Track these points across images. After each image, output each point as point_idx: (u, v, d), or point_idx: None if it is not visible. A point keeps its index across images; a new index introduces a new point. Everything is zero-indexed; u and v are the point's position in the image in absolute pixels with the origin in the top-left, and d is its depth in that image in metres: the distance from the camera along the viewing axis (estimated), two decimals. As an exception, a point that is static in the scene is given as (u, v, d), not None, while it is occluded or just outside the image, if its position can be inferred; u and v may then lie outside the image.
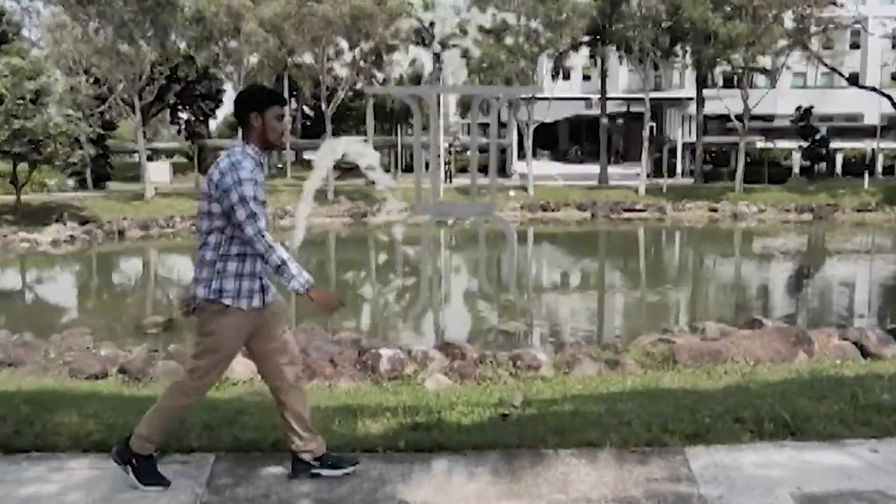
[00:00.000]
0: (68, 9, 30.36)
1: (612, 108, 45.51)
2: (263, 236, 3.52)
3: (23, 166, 27.76)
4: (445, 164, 38.96)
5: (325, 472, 3.83)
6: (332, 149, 4.19)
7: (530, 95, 35.46)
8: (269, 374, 3.83)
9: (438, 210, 4.54)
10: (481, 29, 34.88)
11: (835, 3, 35.19)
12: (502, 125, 50.22)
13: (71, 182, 36.52)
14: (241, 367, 8.01)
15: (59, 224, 26.50)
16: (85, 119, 32.03)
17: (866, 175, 36.66)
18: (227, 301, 3.59)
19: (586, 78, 51.77)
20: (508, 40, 33.54)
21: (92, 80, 33.56)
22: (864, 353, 8.32)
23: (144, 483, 3.69)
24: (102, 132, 36.97)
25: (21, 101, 25.82)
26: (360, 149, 4.12)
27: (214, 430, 4.43)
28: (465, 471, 3.91)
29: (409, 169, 47.74)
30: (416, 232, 4.48)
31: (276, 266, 3.54)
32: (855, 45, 50.00)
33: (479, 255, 4.56)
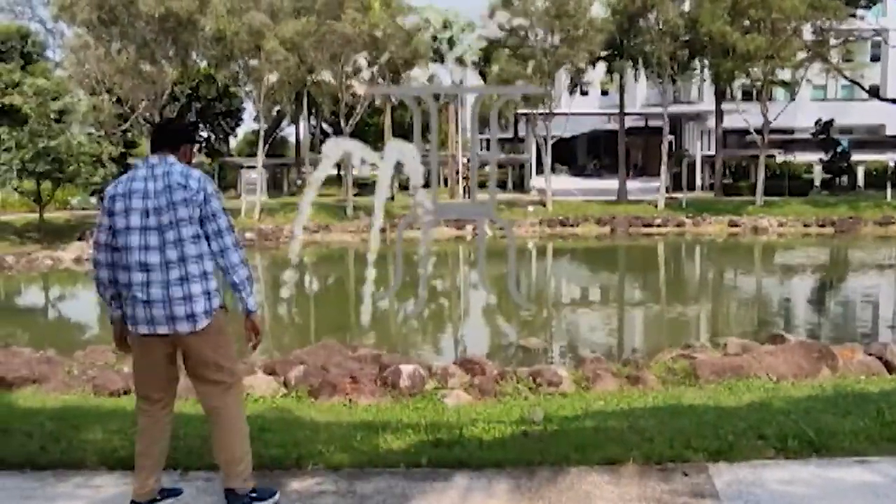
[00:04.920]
0: (91, 30, 30.82)
1: (630, 122, 45.44)
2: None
3: (46, 185, 28.14)
4: (464, 178, 39.01)
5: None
6: (336, 145, 4.28)
7: (546, 110, 35.51)
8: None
9: (439, 211, 4.56)
10: (499, 44, 35.11)
11: (854, 16, 35.06)
12: (520, 140, 50.33)
13: (93, 200, 36.89)
14: (263, 384, 8.06)
15: (81, 241, 26.79)
16: (107, 138, 32.52)
17: (888, 187, 36.35)
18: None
19: (604, 93, 51.73)
20: (525, 54, 33.68)
21: (114, 99, 34.01)
22: (890, 368, 8.22)
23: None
24: (124, 151, 37.47)
25: (45, 121, 26.26)
26: (359, 146, 4.24)
27: (237, 447, 4.44)
28: (487, 487, 3.90)
29: (425, 185, 47.82)
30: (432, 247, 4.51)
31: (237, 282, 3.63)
32: (875, 58, 49.68)
33: (509, 266, 4.56)
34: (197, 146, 51.79)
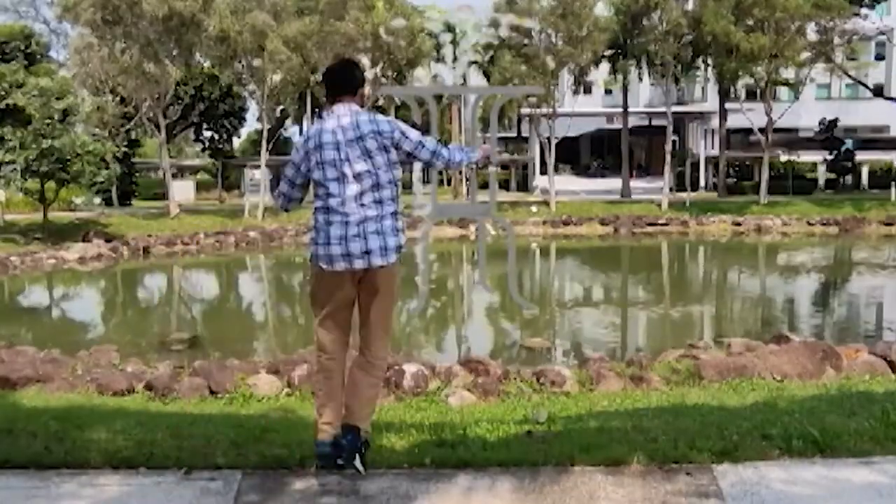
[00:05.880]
0: (95, 30, 30.84)
1: (633, 122, 45.41)
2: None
3: (50, 185, 28.17)
4: (466, 180, 39.00)
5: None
6: None
7: (549, 110, 35.47)
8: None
9: (439, 210, 4.56)
10: (503, 44, 35.10)
11: (858, 15, 34.96)
12: (524, 140, 50.29)
13: (97, 200, 36.96)
14: (267, 384, 8.06)
15: (85, 241, 26.82)
16: (111, 138, 32.54)
17: (893, 187, 36.27)
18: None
19: (608, 92, 51.72)
20: (529, 54, 33.65)
21: (118, 99, 34.04)
22: (894, 368, 8.20)
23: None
24: (128, 150, 37.49)
25: (49, 121, 26.27)
26: None
27: (241, 447, 4.45)
28: (491, 488, 3.89)
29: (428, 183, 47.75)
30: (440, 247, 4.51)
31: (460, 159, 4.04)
32: (879, 57, 49.58)
33: (509, 266, 4.56)
34: (201, 146, 51.96)
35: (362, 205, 3.70)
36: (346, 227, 3.68)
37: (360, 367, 3.89)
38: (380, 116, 3.85)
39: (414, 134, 3.82)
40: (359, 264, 3.69)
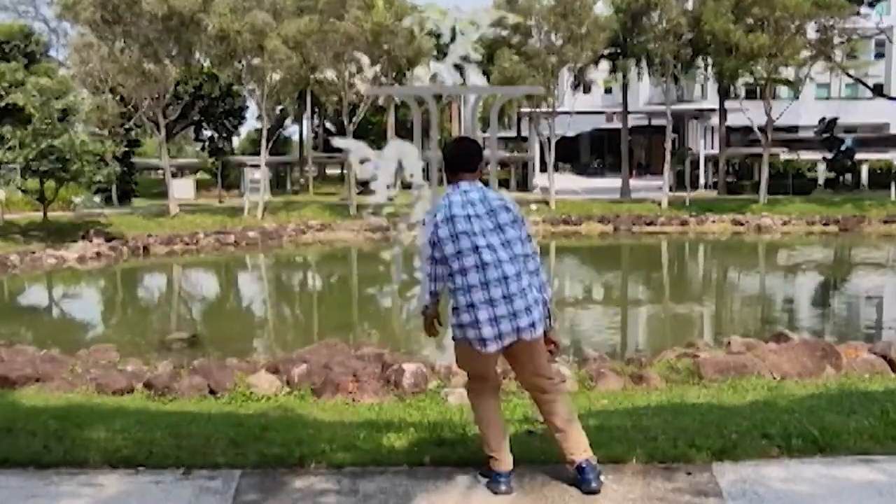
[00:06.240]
0: (95, 29, 30.84)
1: (633, 120, 45.40)
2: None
3: (50, 184, 28.17)
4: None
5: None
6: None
7: (549, 108, 35.45)
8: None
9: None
10: (503, 42, 35.06)
11: (858, 14, 34.94)
12: (524, 139, 50.27)
13: (97, 199, 36.95)
14: (266, 383, 8.06)
15: (85, 241, 26.82)
16: (110, 137, 32.53)
17: (893, 186, 36.27)
18: None
19: (608, 91, 51.71)
20: (529, 53, 33.63)
21: (118, 98, 34.03)
22: (894, 366, 8.19)
23: None
24: (127, 150, 37.49)
25: (49, 120, 26.27)
26: (354, 144, 4.26)
27: (240, 446, 4.45)
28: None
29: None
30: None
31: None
32: (879, 55, 49.58)
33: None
34: (201, 145, 51.96)
35: (505, 279, 3.73)
36: (510, 302, 3.70)
37: (547, 399, 3.90)
38: (505, 194, 4.00)
39: (527, 228, 3.92)
40: (527, 336, 3.74)
